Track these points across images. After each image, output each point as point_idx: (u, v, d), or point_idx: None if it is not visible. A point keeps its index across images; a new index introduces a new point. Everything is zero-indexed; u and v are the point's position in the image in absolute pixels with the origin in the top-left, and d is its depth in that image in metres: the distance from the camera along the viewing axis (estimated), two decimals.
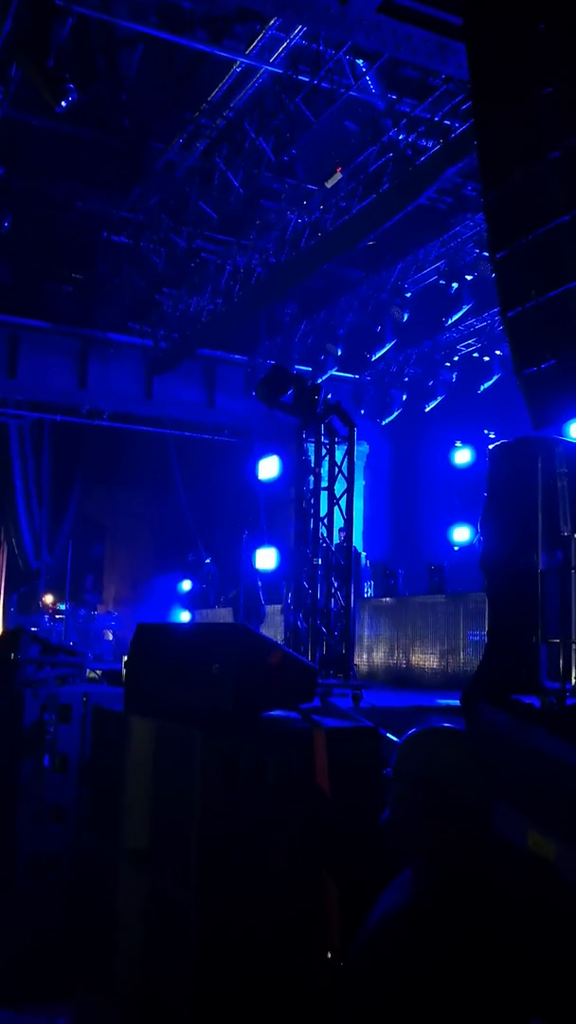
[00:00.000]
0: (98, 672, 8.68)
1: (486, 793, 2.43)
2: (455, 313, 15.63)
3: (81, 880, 5.12)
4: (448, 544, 16.08)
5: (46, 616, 20.26)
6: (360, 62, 11.12)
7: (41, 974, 5.52)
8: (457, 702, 5.98)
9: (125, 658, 7.13)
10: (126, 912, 4.30)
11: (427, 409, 18.89)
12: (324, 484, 10.37)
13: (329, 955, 3.58)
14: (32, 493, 20.01)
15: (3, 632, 16.35)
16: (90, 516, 22.04)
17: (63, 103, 9.02)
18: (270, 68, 11.24)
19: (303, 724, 4.06)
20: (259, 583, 15.67)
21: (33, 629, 10.49)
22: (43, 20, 8.62)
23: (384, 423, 19.66)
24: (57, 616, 20.35)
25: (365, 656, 12.41)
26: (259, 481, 17.56)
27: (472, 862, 2.33)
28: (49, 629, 18.46)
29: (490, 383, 17.50)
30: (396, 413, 19.50)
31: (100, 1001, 4.44)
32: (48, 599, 21.02)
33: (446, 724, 2.57)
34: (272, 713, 4.08)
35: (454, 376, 18.61)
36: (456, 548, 15.85)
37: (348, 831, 3.13)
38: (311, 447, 10.51)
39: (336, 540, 10.29)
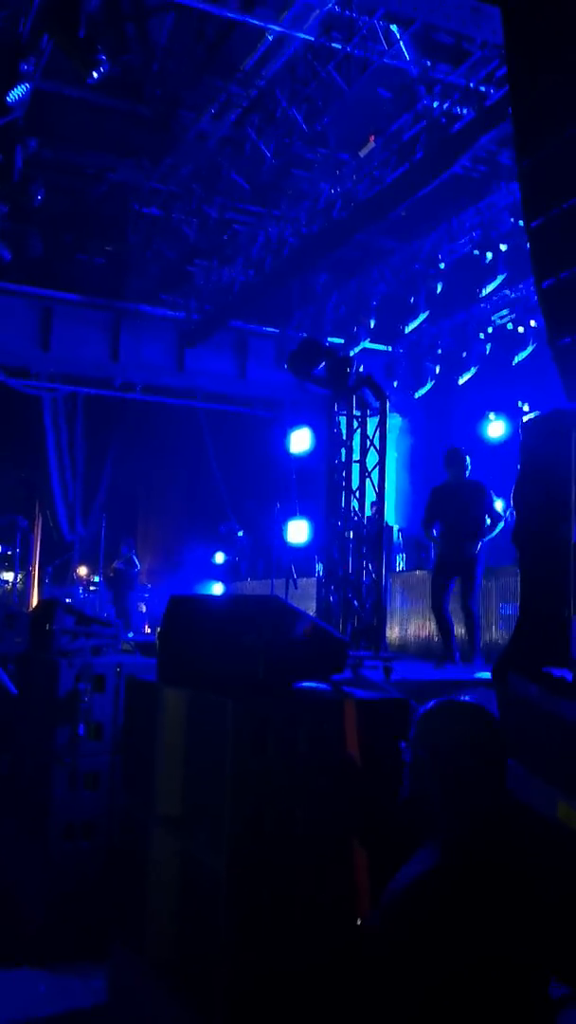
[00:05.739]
0: (131, 643, 8.76)
1: (501, 765, 2.44)
2: (489, 283, 15.44)
3: (115, 846, 5.20)
4: None
5: (80, 588, 20.46)
6: (394, 28, 10.95)
7: (76, 937, 5.63)
8: (488, 675, 5.98)
9: (158, 629, 7.20)
10: (160, 877, 4.38)
11: (460, 381, 18.72)
12: (356, 457, 10.36)
13: (359, 922, 3.63)
14: (66, 465, 20.14)
15: (38, 603, 16.56)
16: (123, 489, 22.18)
17: (95, 73, 8.97)
18: (302, 36, 11.10)
19: (334, 695, 4.09)
20: (290, 555, 15.69)
21: (67, 600, 10.60)
22: None
23: (417, 395, 19.50)
24: (91, 588, 20.53)
25: (396, 629, 12.43)
26: (290, 454, 17.54)
27: (488, 833, 2.35)
28: (83, 601, 18.63)
29: (524, 354, 17.29)
30: (429, 385, 19.31)
31: (134, 964, 4.53)
32: (82, 571, 21.21)
33: (464, 698, 2.58)
34: (304, 684, 4.12)
35: (488, 348, 18.40)
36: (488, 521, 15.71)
37: (378, 800, 3.17)
38: (343, 420, 10.48)
39: (368, 513, 10.28)
